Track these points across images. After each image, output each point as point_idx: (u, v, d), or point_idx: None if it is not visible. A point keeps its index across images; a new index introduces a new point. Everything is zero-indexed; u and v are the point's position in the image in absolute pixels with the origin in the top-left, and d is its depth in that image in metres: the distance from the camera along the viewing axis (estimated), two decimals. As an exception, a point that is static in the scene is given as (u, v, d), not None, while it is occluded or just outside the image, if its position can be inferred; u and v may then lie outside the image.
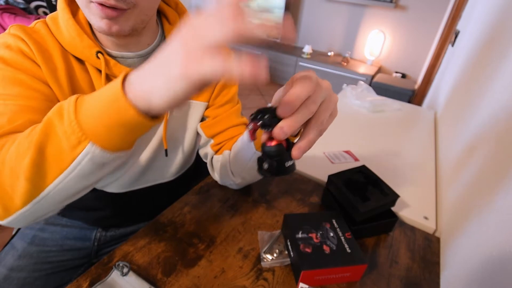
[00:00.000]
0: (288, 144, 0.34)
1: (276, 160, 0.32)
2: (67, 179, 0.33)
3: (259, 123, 0.32)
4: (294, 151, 0.33)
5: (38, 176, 0.33)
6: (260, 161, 0.34)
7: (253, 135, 0.34)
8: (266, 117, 0.31)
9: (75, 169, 0.32)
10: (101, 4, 0.40)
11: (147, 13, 0.47)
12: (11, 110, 0.41)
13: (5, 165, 0.34)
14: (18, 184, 0.33)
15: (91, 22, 0.44)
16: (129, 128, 0.30)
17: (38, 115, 0.42)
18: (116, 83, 0.29)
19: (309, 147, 0.33)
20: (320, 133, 0.34)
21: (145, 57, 0.54)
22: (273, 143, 0.33)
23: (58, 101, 0.46)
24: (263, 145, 0.34)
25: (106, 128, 0.30)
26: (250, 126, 0.33)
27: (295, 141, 0.35)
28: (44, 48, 0.47)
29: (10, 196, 0.35)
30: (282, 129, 0.30)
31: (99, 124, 0.30)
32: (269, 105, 0.34)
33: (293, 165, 0.34)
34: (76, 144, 0.30)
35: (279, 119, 0.31)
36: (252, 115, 0.33)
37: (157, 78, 0.27)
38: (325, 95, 0.33)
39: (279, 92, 0.37)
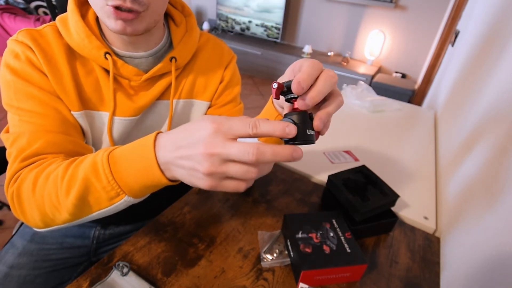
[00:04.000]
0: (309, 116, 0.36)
1: (299, 125, 0.34)
2: (103, 213, 0.41)
3: (285, 85, 0.35)
4: (316, 121, 0.35)
5: (79, 212, 0.40)
6: None
7: (277, 93, 0.35)
8: (291, 82, 0.33)
9: (111, 209, 0.40)
10: (117, 8, 0.42)
11: (159, 13, 0.49)
12: (29, 130, 0.46)
13: (45, 199, 0.41)
14: (60, 214, 0.41)
15: (106, 23, 0.46)
16: (159, 186, 0.37)
17: (53, 134, 0.47)
18: (149, 150, 0.34)
19: (328, 119, 0.36)
20: (337, 107, 0.37)
21: (152, 56, 0.55)
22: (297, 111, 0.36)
23: (68, 109, 0.50)
24: (286, 113, 0.36)
25: (140, 186, 0.37)
26: (275, 85, 0.35)
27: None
28: (50, 55, 0.48)
29: (51, 219, 0.42)
30: (305, 100, 0.34)
31: (135, 184, 0.37)
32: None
33: (313, 135, 0.35)
34: (115, 196, 0.38)
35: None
36: (276, 81, 0.36)
37: (180, 170, 0.33)
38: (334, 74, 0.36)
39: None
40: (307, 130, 0.34)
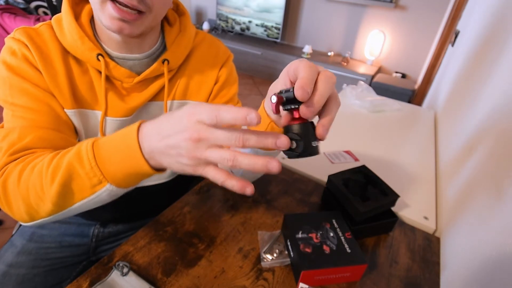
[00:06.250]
0: (311, 125, 0.34)
1: (303, 138, 0.31)
2: (86, 204, 0.40)
3: (284, 96, 0.32)
4: (319, 129, 0.33)
5: (62, 201, 0.40)
6: None
7: (277, 108, 0.33)
8: (291, 91, 0.31)
9: (94, 198, 0.39)
10: (117, 2, 0.42)
11: (158, 19, 0.49)
12: (20, 125, 0.46)
13: (30, 190, 0.40)
14: (44, 205, 0.40)
15: (102, 21, 0.45)
16: (142, 175, 0.37)
17: (44, 130, 0.47)
18: (132, 138, 0.35)
19: (331, 125, 0.34)
20: (337, 110, 0.35)
21: (146, 59, 0.55)
22: (298, 122, 0.33)
23: (61, 106, 0.50)
24: (288, 126, 0.33)
25: (123, 175, 0.37)
26: (274, 99, 0.32)
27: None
28: (45, 53, 0.48)
29: (36, 210, 0.42)
30: (310, 107, 0.32)
31: (117, 172, 0.37)
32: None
33: (318, 146, 0.33)
34: (97, 183, 0.38)
35: (300, 102, 0.31)
36: (274, 93, 0.33)
37: (168, 158, 0.33)
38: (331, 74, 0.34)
39: (273, 86, 0.41)
40: (312, 142, 0.32)
